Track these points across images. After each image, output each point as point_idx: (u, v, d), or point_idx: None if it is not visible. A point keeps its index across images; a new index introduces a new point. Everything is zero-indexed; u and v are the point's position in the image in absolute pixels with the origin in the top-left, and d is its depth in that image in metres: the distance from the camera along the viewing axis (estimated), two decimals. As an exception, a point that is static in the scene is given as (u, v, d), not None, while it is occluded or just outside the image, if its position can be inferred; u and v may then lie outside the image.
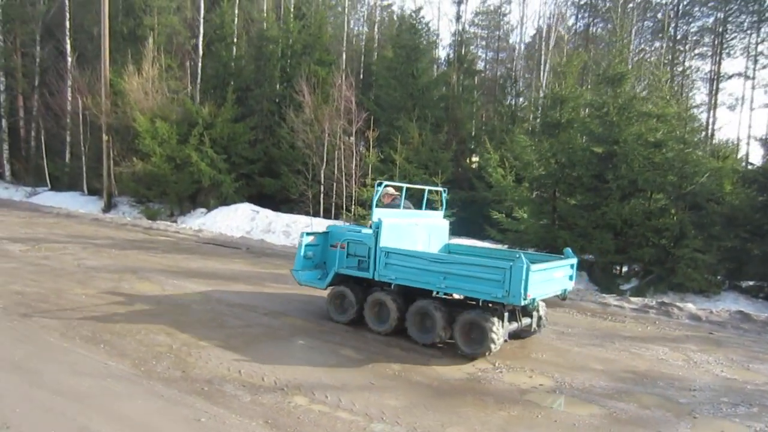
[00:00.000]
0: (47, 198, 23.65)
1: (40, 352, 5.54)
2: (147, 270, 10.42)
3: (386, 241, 7.10)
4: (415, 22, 23.24)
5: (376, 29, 34.04)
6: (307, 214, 18.75)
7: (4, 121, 27.45)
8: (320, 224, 14.95)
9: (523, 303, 6.02)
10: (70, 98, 24.97)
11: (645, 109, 12.81)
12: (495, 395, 5.32)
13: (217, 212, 19.29)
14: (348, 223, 9.32)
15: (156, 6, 23.70)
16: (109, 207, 21.77)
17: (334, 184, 19.58)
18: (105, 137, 21.62)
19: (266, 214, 18.28)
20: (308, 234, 8.02)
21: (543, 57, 25.09)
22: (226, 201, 20.62)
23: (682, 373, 6.31)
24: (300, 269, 7.87)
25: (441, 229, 8.59)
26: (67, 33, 25.74)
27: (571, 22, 29.25)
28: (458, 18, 26.94)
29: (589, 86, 18.81)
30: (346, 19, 30.14)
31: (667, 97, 13.31)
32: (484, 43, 39.27)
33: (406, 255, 6.84)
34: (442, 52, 31.91)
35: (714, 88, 24.14)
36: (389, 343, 6.72)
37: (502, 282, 5.98)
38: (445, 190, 9.29)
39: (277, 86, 23.27)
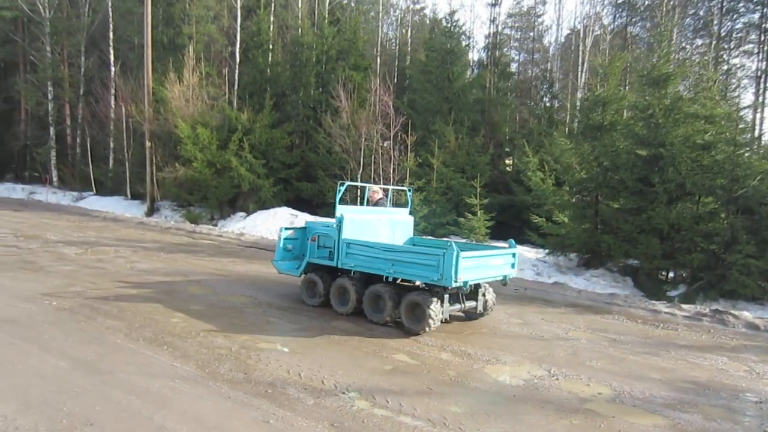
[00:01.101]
0: (93, 202, 24.41)
1: (110, 353, 5.74)
2: (196, 273, 10.68)
3: (348, 233, 8.14)
4: (449, 25, 23.23)
5: (408, 33, 34.16)
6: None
7: (52, 129, 28.44)
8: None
9: (454, 285, 6.88)
10: (113, 106, 25.74)
11: (692, 111, 12.53)
12: (555, 403, 5.29)
13: (257, 216, 19.61)
14: (323, 221, 10.12)
15: (194, 15, 24.25)
16: (152, 211, 22.35)
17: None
18: (148, 143, 22.21)
19: (304, 217, 18.50)
20: (287, 229, 9.14)
21: (580, 58, 24.80)
22: (264, 205, 20.96)
23: (745, 384, 6.16)
24: (279, 260, 8.98)
25: (405, 224, 9.57)
26: (111, 44, 26.55)
27: (607, 21, 28.80)
28: (492, 20, 26.81)
29: (629, 87, 18.52)
30: (379, 23, 30.29)
31: (716, 98, 12.99)
32: (517, 44, 38.99)
33: (362, 245, 7.87)
34: (475, 55, 31.86)
35: (762, 86, 23.42)
36: (443, 348, 6.74)
37: (437, 267, 6.92)
38: (409, 190, 10.49)
39: (313, 92, 23.55)
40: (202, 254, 13.15)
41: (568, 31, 32.95)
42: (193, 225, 19.21)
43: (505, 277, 8.04)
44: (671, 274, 13.16)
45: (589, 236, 14.13)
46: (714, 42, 22.94)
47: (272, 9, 25.51)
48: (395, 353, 6.46)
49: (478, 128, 21.89)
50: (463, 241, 16.79)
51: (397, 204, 9.86)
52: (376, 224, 8.86)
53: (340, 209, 8.29)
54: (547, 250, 15.18)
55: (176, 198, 22.32)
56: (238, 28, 24.43)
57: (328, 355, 6.23)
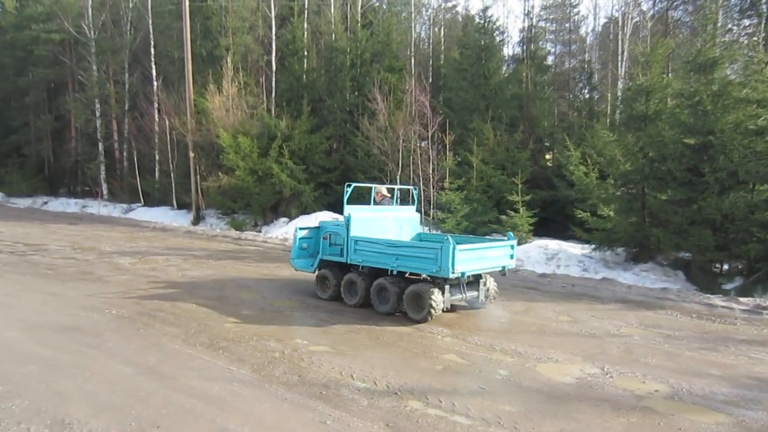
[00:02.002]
0: (141, 213, 25.25)
1: (170, 358, 5.97)
2: (245, 279, 10.94)
3: (356, 231, 8.73)
4: (483, 21, 23.03)
5: (441, 32, 34.06)
6: (386, 219, 18.96)
7: (100, 145, 29.57)
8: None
9: (452, 276, 7.42)
10: (157, 120, 26.57)
11: (743, 95, 12.06)
12: (611, 401, 5.22)
13: (299, 221, 19.89)
14: (334, 220, 10.48)
15: (231, 27, 24.80)
16: (197, 220, 22.97)
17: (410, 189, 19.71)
18: (192, 154, 22.84)
19: (346, 221, 18.65)
20: (302, 229, 9.82)
21: (620, 47, 24.21)
22: (306, 210, 21.27)
23: (812, 378, 5.92)
24: (295, 258, 9.67)
25: (412, 221, 10.22)
26: (152, 59, 27.42)
27: (646, 7, 28.00)
28: (527, 14, 26.44)
29: (673, 75, 17.97)
30: (412, 24, 30.31)
31: (768, 81, 12.48)
32: (552, 36, 38.36)
33: (368, 242, 8.52)
34: (510, 50, 31.50)
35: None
36: (492, 348, 6.73)
37: (435, 260, 7.50)
38: (415, 188, 11.28)
39: (349, 95, 23.74)
40: (248, 260, 13.45)
41: (606, 20, 32.20)
42: (238, 232, 19.65)
43: (503, 267, 8.52)
44: (725, 267, 12.69)
45: (636, 230, 13.79)
46: (763, 22, 21.99)
47: (305, 16, 25.87)
48: (445, 353, 6.48)
49: (516, 124, 21.62)
50: (503, 238, 16.64)
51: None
52: (383, 222, 9.49)
53: (348, 209, 8.90)
54: (593, 246, 14.86)
55: (221, 206, 22.87)
56: (273, 37, 24.88)
57: (378, 356, 6.31)
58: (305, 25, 25.70)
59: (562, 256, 14.76)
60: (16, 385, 5.09)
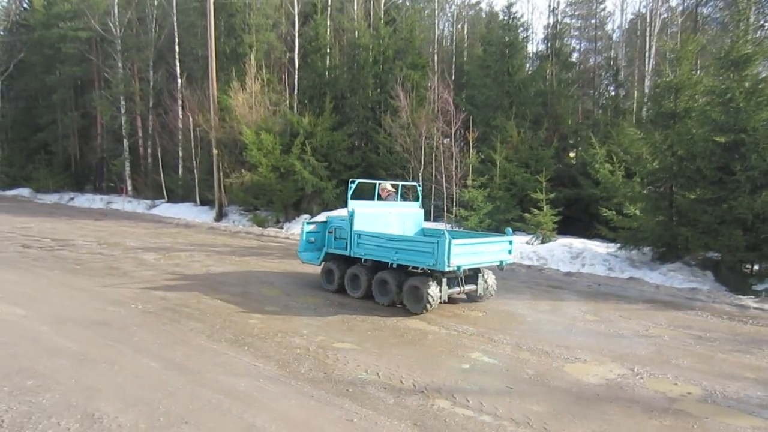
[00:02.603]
0: (165, 209, 25.55)
1: (196, 354, 6.00)
2: (268, 275, 10.98)
3: (360, 226, 9.06)
4: (507, 18, 22.79)
5: (464, 29, 33.82)
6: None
7: (125, 141, 30.00)
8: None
9: (447, 269, 7.63)
10: (180, 116, 26.85)
11: (777, 92, 11.74)
12: (642, 403, 5.10)
13: (321, 218, 19.94)
14: (340, 215, 10.63)
15: (254, 24, 24.93)
16: (220, 216, 23.16)
17: (432, 187, 19.64)
18: (215, 151, 23.03)
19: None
20: (309, 223, 10.16)
21: (647, 43, 23.76)
22: (327, 207, 21.30)
23: None
24: (303, 251, 10.05)
25: (416, 216, 10.52)
26: (177, 56, 27.71)
27: (675, 2, 27.42)
28: (552, 10, 26.09)
29: (702, 71, 17.55)
30: (435, 21, 30.15)
31: (803, 77, 12.13)
32: (577, 33, 37.86)
33: (370, 236, 8.80)
34: (534, 47, 31.14)
35: None
36: (519, 347, 6.64)
37: (432, 253, 7.72)
38: (419, 185, 11.40)
39: (371, 93, 23.69)
40: (271, 257, 13.50)
41: (633, 16, 31.65)
42: (260, 228, 19.77)
43: (501, 262, 8.69)
44: (756, 267, 12.38)
45: (664, 229, 13.52)
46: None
47: (328, 13, 25.89)
48: (471, 352, 6.41)
49: (540, 121, 21.36)
50: (528, 237, 16.46)
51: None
52: (387, 217, 9.83)
53: (352, 204, 9.23)
54: (618, 245, 14.61)
55: (243, 203, 23.03)
56: (296, 34, 24.95)
57: (403, 354, 6.26)
58: (328, 22, 25.72)
59: (587, 254, 14.54)
60: (46, 379, 5.15)
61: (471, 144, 18.18)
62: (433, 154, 19.50)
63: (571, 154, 23.98)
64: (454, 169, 18.07)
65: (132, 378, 5.24)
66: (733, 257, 12.13)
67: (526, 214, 16.55)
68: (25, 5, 38.66)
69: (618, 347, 6.82)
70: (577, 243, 15.50)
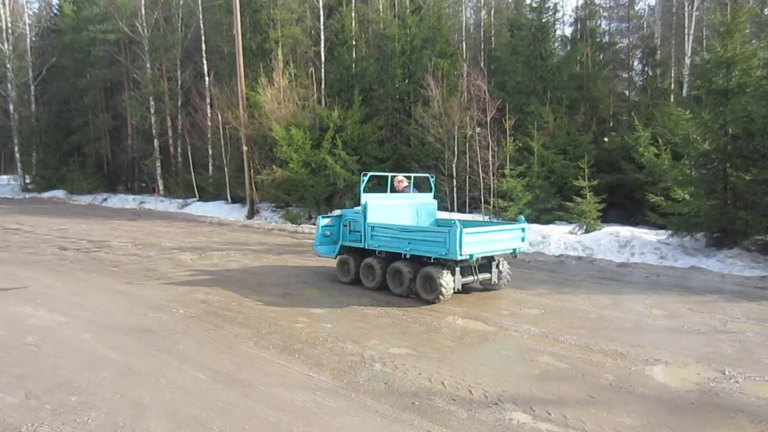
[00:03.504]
0: (197, 208, 25.50)
1: (244, 363, 5.63)
2: (308, 275, 10.62)
3: (372, 218, 9.22)
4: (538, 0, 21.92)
5: (492, 15, 32.97)
6: (445, 209, 18.38)
7: (155, 141, 30.08)
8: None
9: (459, 258, 7.69)
10: (209, 115, 26.74)
11: None
12: (746, 411, 4.53)
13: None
14: (354, 209, 10.65)
15: (279, 19, 24.60)
16: (252, 213, 22.97)
17: (467, 177, 19.06)
18: (245, 148, 22.81)
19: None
20: (324, 217, 10.40)
21: (686, 20, 22.64)
22: (360, 201, 20.87)
23: None
24: (319, 245, 10.27)
25: (430, 207, 10.61)
26: (204, 55, 27.60)
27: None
28: (585, -11, 25.06)
29: (756, 44, 16.55)
30: (463, 7, 29.41)
31: None
32: (606, 14, 36.57)
33: (383, 227, 8.98)
34: (562, 30, 30.11)
35: None
36: (589, 348, 6.10)
37: (444, 243, 7.79)
38: (432, 176, 11.30)
39: (399, 83, 23.11)
40: (307, 254, 13.14)
41: (668, -7, 30.26)
42: (294, 225, 19.48)
43: (514, 250, 8.71)
44: (827, 252, 11.57)
45: (719, 213, 12.75)
46: None
47: (353, 5, 25.38)
48: (538, 355, 5.91)
49: (576, 106, 20.55)
50: (570, 226, 15.78)
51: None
52: (400, 209, 9.95)
53: (365, 197, 9.36)
54: (669, 231, 13.85)
55: (275, 199, 22.79)
56: (322, 28, 24.55)
57: (465, 359, 5.79)
58: (353, 14, 25.23)
59: (636, 243, 13.83)
60: (90, 395, 4.83)
61: (508, 131, 17.51)
62: (467, 144, 18.91)
63: (605, 139, 23.07)
64: (490, 158, 17.44)
65: (180, 392, 4.88)
66: (798, 241, 11.35)
67: (568, 203, 15.85)
68: (55, 11, 39.14)
69: (698, 345, 6.23)
70: (624, 231, 14.79)
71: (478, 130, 18.74)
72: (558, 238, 15.09)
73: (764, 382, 5.17)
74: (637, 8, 33.79)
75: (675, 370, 5.47)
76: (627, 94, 26.80)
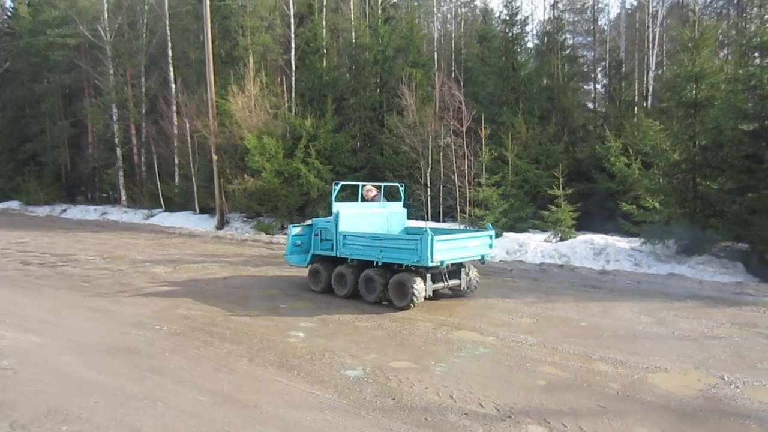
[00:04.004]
0: (163, 219, 24.79)
1: (243, 382, 5.40)
2: (291, 286, 10.38)
3: (344, 227, 9.30)
4: (509, 12, 22.27)
5: (462, 26, 33.38)
6: (422, 218, 18.36)
7: (119, 150, 29.15)
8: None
9: (431, 264, 7.92)
10: (176, 122, 26.10)
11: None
12: (755, 418, 4.59)
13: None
14: (325, 218, 10.81)
15: (249, 26, 24.27)
16: (222, 224, 22.45)
17: (441, 187, 19.10)
18: (215, 157, 22.32)
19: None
20: (295, 227, 10.42)
21: (650, 34, 23.40)
22: (332, 211, 20.66)
23: None
24: (290, 254, 10.30)
25: (399, 216, 10.75)
26: (170, 62, 26.96)
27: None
28: (553, 4, 25.69)
29: (720, 59, 17.20)
30: (435, 17, 29.69)
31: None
32: (570, 27, 37.50)
33: (355, 236, 9.10)
34: (530, 42, 30.69)
35: None
36: (589, 357, 6.10)
37: (415, 250, 8.01)
38: (402, 185, 11.48)
39: (371, 93, 23.05)
40: (286, 266, 12.65)
41: (629, 8, 31.30)
42: (269, 236, 19.12)
43: (483, 256, 9.02)
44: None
45: (691, 221, 13.10)
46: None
47: (324, 14, 25.26)
48: (540, 365, 5.87)
49: (547, 117, 20.92)
50: (546, 234, 15.97)
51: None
52: (371, 218, 10.04)
53: (337, 206, 9.49)
54: (642, 239, 14.16)
55: (246, 209, 22.34)
56: (293, 36, 24.31)
57: (469, 371, 5.71)
58: (323, 23, 25.11)
59: (611, 250, 14.09)
60: (84, 423, 4.52)
61: (484, 141, 17.65)
62: (441, 153, 18.97)
63: (580, 150, 23.55)
64: (466, 167, 17.53)
65: (181, 416, 4.62)
66: (765, 247, 11.74)
67: (544, 212, 16.05)
68: (8, 13, 37.64)
69: (692, 351, 6.32)
70: (598, 239, 15.05)
71: (447, 140, 18.77)
72: (534, 246, 15.25)
73: (763, 387, 5.25)
74: (600, 23, 34.76)
75: (676, 377, 5.52)
76: (592, 105, 27.48)
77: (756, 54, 13.34)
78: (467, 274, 9.11)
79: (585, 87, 29.94)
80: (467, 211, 17.29)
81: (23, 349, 6.45)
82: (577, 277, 11.29)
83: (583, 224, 17.43)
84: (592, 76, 29.32)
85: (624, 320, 7.77)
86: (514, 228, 17.50)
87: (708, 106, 13.40)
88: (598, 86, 28.21)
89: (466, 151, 17.48)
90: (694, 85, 13.59)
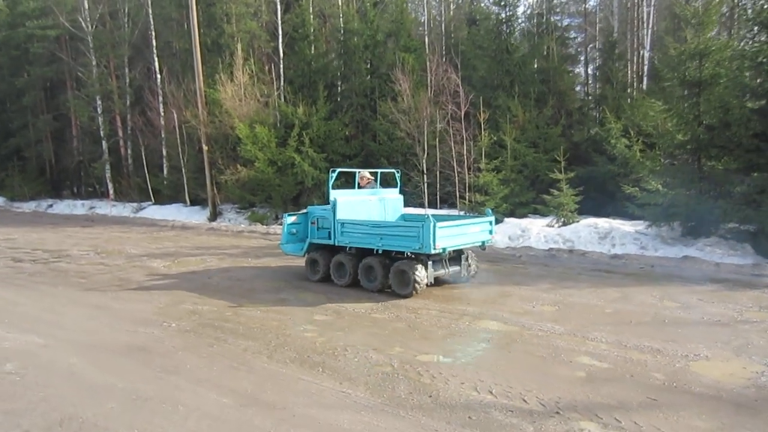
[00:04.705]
0: (153, 211, 24.25)
1: (265, 381, 5.07)
2: (296, 277, 10.04)
3: (342, 214, 9.12)
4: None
5: (451, 9, 32.89)
6: (420, 206, 18.06)
7: (104, 143, 28.41)
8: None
9: (433, 251, 7.80)
10: (163, 113, 25.44)
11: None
12: (813, 406, 4.37)
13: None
14: (321, 205, 10.66)
15: (235, 14, 23.62)
16: (215, 215, 21.97)
17: (438, 173, 18.80)
18: (205, 147, 21.78)
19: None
20: (290, 215, 10.19)
21: (645, 14, 23.14)
22: (328, 200, 20.28)
23: None
24: (285, 243, 10.07)
25: (396, 202, 10.64)
26: (155, 51, 26.24)
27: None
28: (545, -16, 25.26)
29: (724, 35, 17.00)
30: (425, 1, 29.22)
31: None
32: (558, 9, 37.17)
33: (354, 224, 8.93)
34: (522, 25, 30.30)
35: None
36: (623, 345, 5.85)
37: (417, 237, 7.89)
38: (398, 172, 11.43)
39: (363, 79, 22.57)
40: (288, 256, 12.49)
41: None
42: (265, 227, 18.71)
43: (483, 242, 8.92)
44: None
45: (697, 203, 12.91)
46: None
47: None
48: (575, 355, 5.62)
49: (543, 99, 20.63)
50: (548, 219, 15.77)
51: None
52: (368, 204, 9.88)
53: (334, 193, 9.31)
54: (647, 222, 13.97)
55: (239, 200, 21.86)
56: (280, 22, 23.70)
57: (502, 363, 5.44)
58: (310, 9, 24.51)
59: (616, 234, 13.91)
60: (102, 431, 4.18)
61: (483, 125, 17.34)
62: (437, 139, 18.63)
63: (573, 131, 23.34)
64: (465, 152, 17.22)
65: (207, 420, 4.29)
66: (775, 227, 11.60)
67: (546, 196, 15.82)
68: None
69: (728, 338, 6.10)
70: (602, 222, 14.87)
71: (443, 125, 18.42)
72: (537, 231, 15.04)
73: (812, 372, 5.05)
74: (589, 4, 34.43)
75: (719, 365, 5.30)
76: (582, 88, 27.24)
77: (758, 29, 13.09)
78: (467, 261, 9.03)
79: (576, 70, 29.71)
80: (467, 197, 17.02)
81: (27, 351, 6.07)
82: (587, 262, 11.08)
83: (584, 208, 17.23)
84: (581, 58, 29.08)
85: (647, 306, 7.55)
86: (514, 213, 17.27)
87: (713, 84, 13.17)
88: (590, 68, 27.98)
89: (465, 135, 17.16)
90: (698, 63, 13.36)
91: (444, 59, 21.80)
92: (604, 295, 8.18)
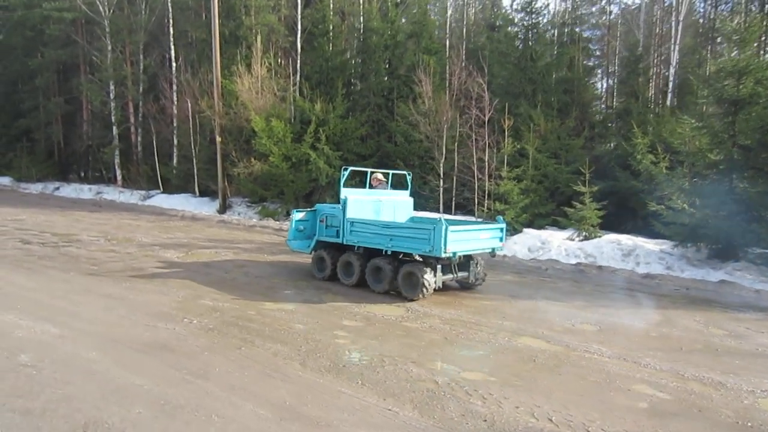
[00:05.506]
0: (162, 200, 23.87)
1: (304, 392, 4.68)
2: (316, 278, 9.65)
3: (351, 213, 9.03)
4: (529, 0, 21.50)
5: (473, 15, 32.58)
6: (435, 210, 17.68)
7: (115, 129, 28.06)
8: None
9: (444, 255, 7.70)
10: (176, 102, 25.10)
11: None
12: None
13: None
14: (330, 203, 11.00)
15: (254, 6, 23.29)
16: (224, 208, 21.59)
17: (455, 179, 18.44)
18: (219, 138, 21.43)
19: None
20: (298, 211, 10.18)
21: (674, 29, 22.78)
22: (339, 196, 19.90)
23: None
24: (292, 239, 10.02)
25: (406, 204, 10.59)
26: (171, 39, 25.91)
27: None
28: (570, -6, 24.96)
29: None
30: (448, 3, 28.89)
31: None
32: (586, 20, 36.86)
33: (364, 223, 8.85)
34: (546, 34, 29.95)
35: None
36: (681, 376, 5.46)
37: (428, 240, 7.80)
38: (409, 174, 11.39)
39: (381, 79, 22.21)
40: (304, 254, 12.12)
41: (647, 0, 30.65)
42: (278, 223, 18.33)
43: (493, 249, 8.83)
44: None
45: (728, 225, 12.51)
46: None
47: (332, -5, 24.31)
48: (631, 383, 5.22)
49: (566, 110, 20.25)
50: (568, 233, 15.38)
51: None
52: (378, 205, 9.81)
53: (344, 192, 9.21)
54: (673, 242, 13.56)
55: (251, 194, 21.47)
56: (299, 17, 23.36)
57: (555, 387, 5.04)
58: (330, 5, 24.18)
59: (640, 252, 13.52)
60: (133, 439, 3.79)
61: (506, 132, 16.97)
62: (456, 143, 18.26)
63: (598, 145, 22.89)
64: (486, 158, 16.84)
65: (246, 435, 3.91)
66: (810, 255, 11.23)
67: (568, 209, 15.43)
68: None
69: (789, 372, 5.71)
70: (625, 239, 14.47)
71: (466, 129, 18.06)
72: (558, 244, 14.65)
73: None
74: (611, 17, 34.09)
75: None
76: (603, 101, 26.87)
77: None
78: (476, 267, 8.88)
79: (596, 83, 29.36)
80: (485, 205, 16.64)
81: (43, 342, 5.68)
82: (619, 280, 10.69)
83: (604, 223, 16.84)
84: (599, 72, 28.73)
85: (693, 332, 7.16)
86: (532, 224, 16.87)
87: (752, 103, 12.79)
88: (609, 81, 27.60)
89: (487, 141, 16.78)
90: (737, 81, 12.98)
91: (462, 63, 21.46)
92: (645, 317, 7.79)
